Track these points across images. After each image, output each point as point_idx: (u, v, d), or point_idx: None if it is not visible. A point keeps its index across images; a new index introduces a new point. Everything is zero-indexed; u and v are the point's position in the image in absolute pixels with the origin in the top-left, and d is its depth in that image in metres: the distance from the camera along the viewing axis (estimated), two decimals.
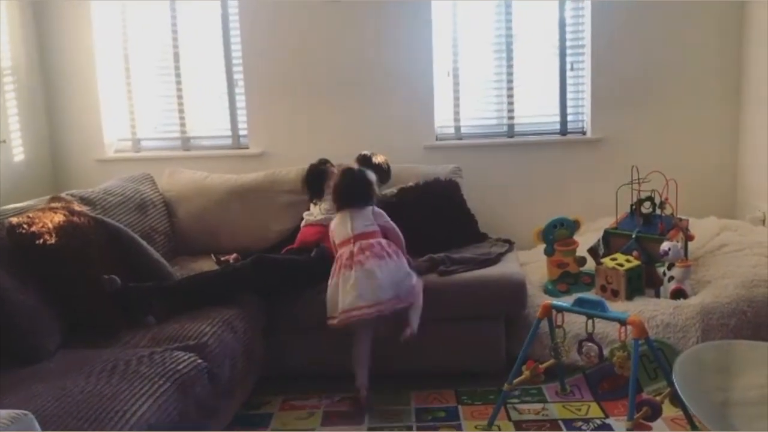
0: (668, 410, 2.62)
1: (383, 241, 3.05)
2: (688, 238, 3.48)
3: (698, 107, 4.27)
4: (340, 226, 3.11)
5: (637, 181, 3.53)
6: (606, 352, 2.69)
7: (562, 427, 2.82)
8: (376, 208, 3.17)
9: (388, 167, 3.77)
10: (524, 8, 4.33)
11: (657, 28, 4.21)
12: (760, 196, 4.02)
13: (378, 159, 3.72)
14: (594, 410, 2.93)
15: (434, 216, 3.62)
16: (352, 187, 3.19)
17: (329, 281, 3.02)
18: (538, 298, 3.33)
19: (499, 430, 2.82)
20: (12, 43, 4.13)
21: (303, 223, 3.62)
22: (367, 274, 2.91)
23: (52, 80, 4.42)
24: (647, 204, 3.52)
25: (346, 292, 2.91)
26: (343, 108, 4.33)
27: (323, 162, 3.76)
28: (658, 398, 2.52)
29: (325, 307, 3.00)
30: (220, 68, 4.44)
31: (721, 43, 4.21)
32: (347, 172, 3.27)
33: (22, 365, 2.36)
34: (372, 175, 3.26)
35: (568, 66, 4.36)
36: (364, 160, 3.68)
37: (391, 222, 3.16)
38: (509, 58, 4.36)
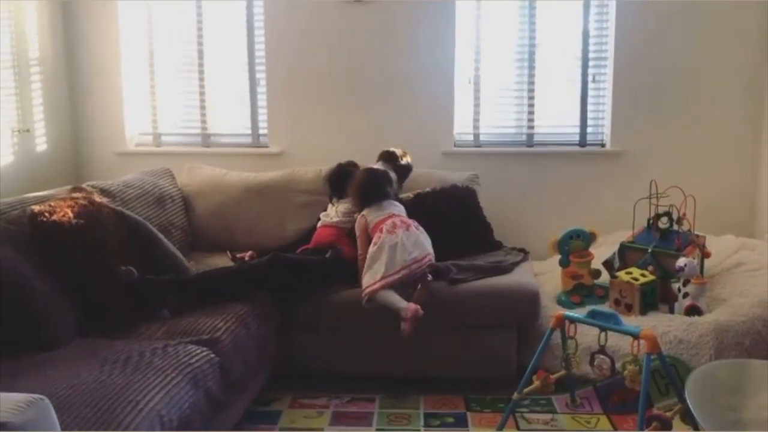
0: (678, 427, 2.60)
1: (415, 222, 3.32)
2: (705, 255, 3.46)
3: (720, 124, 4.25)
4: (373, 213, 3.28)
5: (655, 195, 3.51)
6: (618, 365, 2.68)
7: None
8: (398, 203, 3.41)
9: (410, 168, 3.80)
10: (548, 18, 4.33)
11: (681, 43, 4.19)
12: None
13: (407, 159, 3.78)
14: (603, 423, 2.92)
15: (450, 222, 3.62)
16: (376, 186, 3.36)
17: (376, 243, 3.16)
18: (551, 309, 3.32)
19: None
20: (40, 34, 4.19)
21: (319, 223, 3.64)
22: (417, 235, 3.22)
23: (77, 73, 4.47)
24: (665, 219, 3.50)
25: (407, 246, 3.14)
26: (363, 110, 4.35)
27: (351, 164, 3.78)
28: (668, 414, 2.51)
29: (338, 309, 3.01)
30: (243, 67, 4.48)
31: (747, 60, 4.18)
32: (371, 172, 3.45)
33: (38, 351, 2.39)
34: (393, 175, 3.50)
35: (590, 77, 4.36)
36: (390, 157, 3.72)
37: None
38: (531, 67, 4.36)
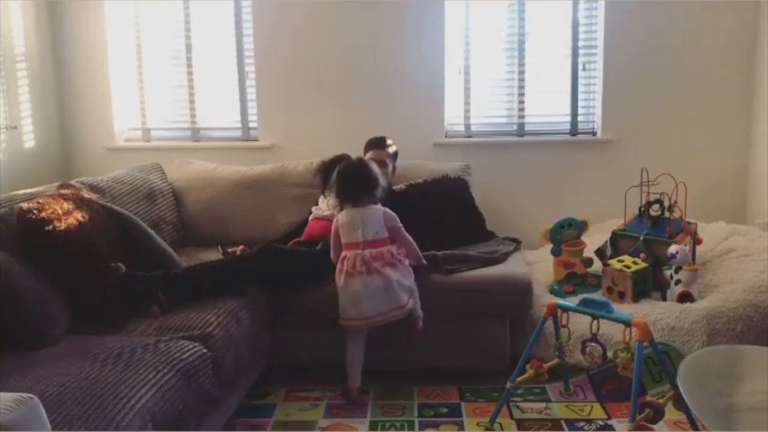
0: (671, 413, 2.61)
1: (393, 248, 3.03)
2: (696, 241, 3.47)
3: (711, 111, 4.25)
4: (348, 226, 3.02)
5: (646, 183, 3.51)
6: (610, 353, 2.68)
7: (565, 427, 2.82)
8: (388, 211, 3.09)
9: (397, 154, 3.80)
10: (537, 7, 4.31)
11: (670, 31, 4.19)
12: None
13: (393, 147, 3.74)
14: (597, 411, 2.93)
15: (442, 213, 3.62)
16: (354, 180, 3.09)
17: (339, 281, 2.99)
18: (543, 298, 3.32)
19: (501, 428, 2.82)
20: (25, 29, 4.15)
21: (311, 216, 3.63)
22: (386, 281, 2.93)
23: (64, 68, 4.43)
24: (656, 206, 3.50)
25: (366, 298, 2.92)
26: (353, 103, 4.33)
27: (342, 156, 3.76)
28: (661, 401, 2.51)
29: (330, 302, 3.00)
30: (232, 60, 4.44)
31: (736, 47, 4.18)
32: (348, 165, 3.17)
33: (27, 350, 2.37)
34: (375, 168, 3.16)
35: (580, 66, 4.35)
36: (380, 143, 3.70)
37: (402, 227, 3.10)
38: (521, 57, 4.35)
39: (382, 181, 3.14)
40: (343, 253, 3.02)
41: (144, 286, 2.82)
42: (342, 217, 3.06)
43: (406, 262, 3.06)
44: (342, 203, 3.09)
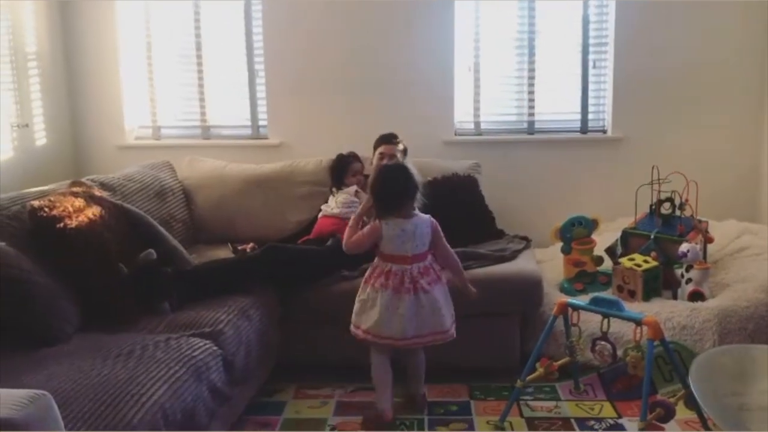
0: (682, 412, 2.60)
1: (434, 263, 2.83)
2: (708, 240, 3.45)
3: (722, 108, 4.23)
4: (397, 240, 2.73)
5: (657, 181, 3.50)
6: (620, 352, 2.67)
7: (575, 425, 2.81)
8: (434, 221, 2.83)
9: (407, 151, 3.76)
10: (548, 4, 4.30)
11: (681, 28, 4.16)
12: None
13: (402, 144, 3.70)
14: (607, 410, 2.92)
15: (452, 211, 3.58)
16: (399, 188, 2.76)
17: (373, 292, 2.75)
18: (554, 296, 3.32)
19: (512, 427, 2.81)
20: (37, 28, 4.17)
21: (320, 214, 3.63)
22: (433, 303, 2.73)
23: (76, 66, 4.45)
24: (667, 205, 3.49)
25: (412, 319, 2.70)
26: (362, 100, 4.33)
27: (351, 155, 3.77)
28: (672, 400, 2.50)
29: (340, 300, 2.99)
30: (242, 58, 4.45)
31: (748, 44, 4.15)
32: (389, 170, 2.84)
33: (39, 347, 2.38)
34: (412, 168, 2.85)
35: (591, 63, 4.33)
36: (393, 138, 3.62)
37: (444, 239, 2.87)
38: (531, 54, 4.34)
39: (420, 183, 2.84)
40: (387, 265, 2.75)
41: (163, 283, 2.83)
42: (389, 230, 2.74)
43: (444, 278, 2.85)
44: (384, 213, 2.77)
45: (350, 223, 2.86)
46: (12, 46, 3.94)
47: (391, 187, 2.76)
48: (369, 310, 2.76)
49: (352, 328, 2.84)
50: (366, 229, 2.80)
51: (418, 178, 2.82)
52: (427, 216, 2.83)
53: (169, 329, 2.61)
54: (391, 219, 2.75)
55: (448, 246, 2.89)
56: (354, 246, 2.82)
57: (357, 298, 2.83)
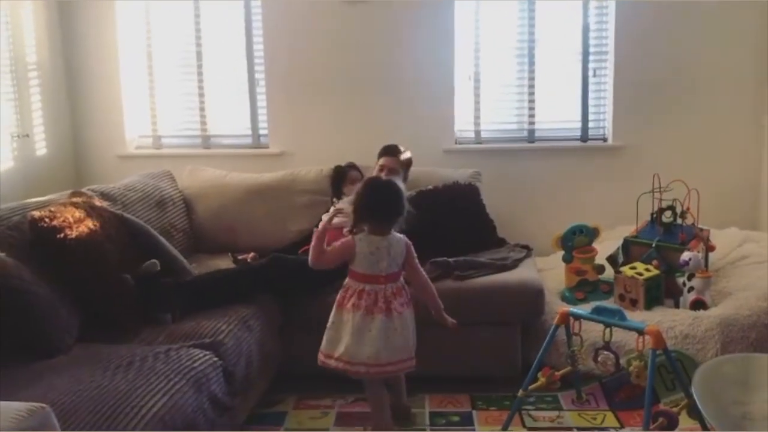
0: (685, 422, 2.59)
1: (406, 286, 2.75)
2: (709, 248, 3.44)
3: (723, 116, 4.22)
4: (371, 257, 2.63)
5: (658, 189, 3.49)
6: (623, 361, 2.66)
7: None
8: (408, 241, 2.74)
9: (411, 162, 3.75)
10: (547, 13, 4.30)
11: (682, 36, 4.17)
12: None
13: (407, 154, 3.69)
14: (609, 420, 2.91)
15: (452, 220, 3.60)
16: (385, 205, 2.65)
17: (345, 315, 2.65)
18: (555, 305, 3.31)
19: None
20: (37, 38, 4.17)
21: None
22: (404, 326, 2.63)
23: (76, 76, 4.46)
24: (668, 213, 3.48)
25: (385, 342, 2.58)
26: (363, 109, 4.33)
27: (349, 165, 3.77)
28: (675, 409, 2.49)
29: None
30: (242, 67, 4.46)
31: (749, 52, 4.16)
32: (373, 185, 2.74)
33: (39, 358, 2.38)
34: (402, 185, 2.75)
35: (591, 72, 4.33)
36: (395, 150, 3.61)
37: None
38: (531, 63, 4.34)
39: (406, 203, 2.71)
40: (359, 285, 2.65)
41: (166, 295, 2.82)
42: (363, 246, 2.65)
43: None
44: (361, 226, 2.67)
45: (315, 235, 2.70)
46: (12, 56, 3.94)
47: (378, 199, 2.66)
48: (340, 334, 2.65)
49: (321, 358, 2.69)
50: (337, 243, 2.69)
51: (405, 202, 2.70)
52: (401, 235, 2.72)
53: (170, 340, 2.61)
54: (365, 235, 2.66)
55: (421, 269, 2.80)
56: (322, 262, 2.69)
57: (327, 326, 2.70)
